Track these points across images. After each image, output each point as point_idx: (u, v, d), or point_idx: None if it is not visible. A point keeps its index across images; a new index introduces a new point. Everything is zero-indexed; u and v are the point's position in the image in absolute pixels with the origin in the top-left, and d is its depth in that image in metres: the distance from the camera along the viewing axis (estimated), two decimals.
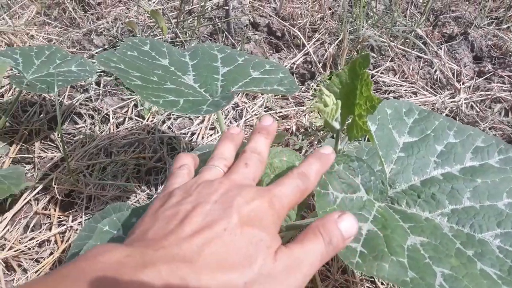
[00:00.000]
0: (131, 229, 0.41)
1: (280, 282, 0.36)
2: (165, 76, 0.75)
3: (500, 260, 0.53)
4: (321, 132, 1.08)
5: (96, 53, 1.40)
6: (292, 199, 0.43)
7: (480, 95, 1.23)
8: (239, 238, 0.36)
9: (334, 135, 0.60)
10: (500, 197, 0.60)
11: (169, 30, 1.42)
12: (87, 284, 0.30)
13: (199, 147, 0.64)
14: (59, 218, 0.92)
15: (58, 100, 1.21)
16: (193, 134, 1.11)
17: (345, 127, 0.60)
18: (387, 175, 0.63)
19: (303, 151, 1.05)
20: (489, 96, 1.22)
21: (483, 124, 1.11)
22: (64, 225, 0.90)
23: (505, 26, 1.58)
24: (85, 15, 1.63)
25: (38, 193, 0.96)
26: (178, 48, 1.33)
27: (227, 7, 1.34)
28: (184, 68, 0.80)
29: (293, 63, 1.31)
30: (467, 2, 1.72)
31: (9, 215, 0.91)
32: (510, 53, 1.42)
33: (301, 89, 1.26)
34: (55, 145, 1.10)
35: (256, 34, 1.43)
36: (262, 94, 0.91)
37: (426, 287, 0.46)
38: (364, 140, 0.85)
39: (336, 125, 0.58)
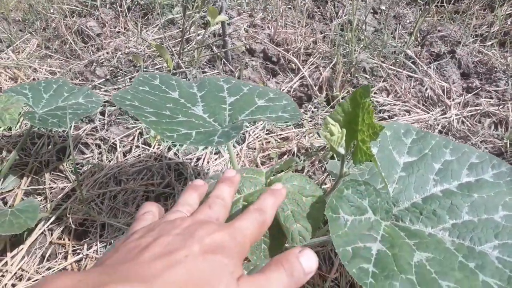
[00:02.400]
0: None
1: None
2: (176, 108, 0.80)
3: (499, 271, 0.57)
4: (322, 152, 1.13)
5: (99, 83, 1.45)
6: (252, 231, 0.44)
7: (470, 110, 1.29)
8: (202, 264, 0.36)
9: (340, 159, 0.65)
10: (496, 210, 0.65)
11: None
12: None
13: (213, 175, 0.68)
14: (73, 247, 0.95)
15: (65, 131, 1.25)
16: (198, 159, 1.15)
17: (349, 152, 0.65)
18: (390, 195, 0.68)
19: (305, 171, 1.09)
20: (478, 111, 1.28)
21: (475, 138, 1.17)
22: (79, 253, 0.93)
23: (489, 43, 1.65)
24: (85, 47, 1.68)
25: (52, 223, 0.99)
26: (180, 77, 1.38)
27: (225, 38, 1.39)
28: (193, 99, 0.85)
29: (290, 87, 1.37)
30: (451, 21, 1.80)
31: (25, 246, 0.94)
32: (495, 68, 1.50)
33: None
34: (64, 176, 1.13)
35: (252, 60, 1.49)
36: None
37: None
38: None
39: (342, 151, 0.62)
